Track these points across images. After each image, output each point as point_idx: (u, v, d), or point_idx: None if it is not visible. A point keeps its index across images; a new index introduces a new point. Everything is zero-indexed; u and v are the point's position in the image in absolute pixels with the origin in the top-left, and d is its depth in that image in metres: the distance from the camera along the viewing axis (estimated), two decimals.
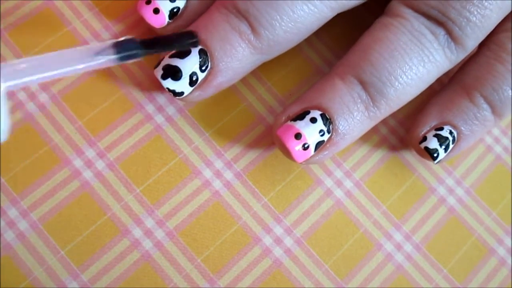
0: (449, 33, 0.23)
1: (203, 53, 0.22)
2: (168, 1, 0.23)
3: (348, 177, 0.25)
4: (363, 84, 0.23)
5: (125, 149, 0.24)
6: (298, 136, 0.22)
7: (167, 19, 0.23)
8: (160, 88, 0.25)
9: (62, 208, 0.22)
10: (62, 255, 0.22)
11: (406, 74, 0.23)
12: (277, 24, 0.22)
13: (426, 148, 0.24)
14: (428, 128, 0.25)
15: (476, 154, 0.27)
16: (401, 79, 0.23)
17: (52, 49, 0.24)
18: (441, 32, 0.23)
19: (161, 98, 0.25)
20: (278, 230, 0.24)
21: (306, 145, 0.22)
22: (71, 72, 0.17)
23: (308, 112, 0.22)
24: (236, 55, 0.22)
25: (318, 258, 0.24)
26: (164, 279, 0.22)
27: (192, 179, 0.24)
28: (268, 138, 0.25)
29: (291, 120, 0.23)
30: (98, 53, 0.18)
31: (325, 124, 0.22)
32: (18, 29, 0.24)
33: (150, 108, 0.24)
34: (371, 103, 0.23)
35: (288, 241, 0.24)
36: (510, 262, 0.26)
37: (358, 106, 0.23)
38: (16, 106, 0.23)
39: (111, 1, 0.26)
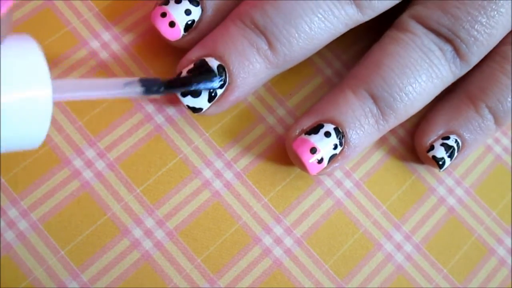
0: (456, 50, 0.24)
1: (221, 69, 0.22)
2: (184, 14, 0.23)
3: (348, 177, 0.25)
4: (374, 99, 0.23)
5: (125, 149, 0.24)
6: (313, 150, 0.23)
7: (182, 32, 0.23)
8: None
9: (62, 208, 0.22)
10: (62, 255, 0.22)
11: (416, 90, 0.23)
12: (294, 41, 0.22)
13: (434, 157, 0.25)
14: (435, 137, 0.25)
15: (476, 154, 0.27)
16: (410, 95, 0.23)
17: (52, 49, 0.24)
18: (448, 48, 0.24)
19: (161, 98, 0.25)
20: (278, 230, 0.24)
21: (320, 159, 0.23)
22: (102, 96, 0.20)
23: (322, 126, 0.23)
24: (253, 70, 0.23)
25: (318, 258, 0.24)
26: (164, 279, 0.22)
27: (192, 179, 0.24)
28: (268, 138, 0.25)
29: (305, 133, 0.23)
30: (127, 84, 0.20)
31: (338, 138, 0.23)
32: (17, 29, 0.24)
33: (150, 108, 0.24)
34: (381, 117, 0.23)
35: (288, 241, 0.24)
36: (510, 262, 0.26)
37: (369, 119, 0.23)
38: None
39: (111, 1, 0.26)
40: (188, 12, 0.23)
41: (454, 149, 0.25)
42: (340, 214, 0.25)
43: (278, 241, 0.24)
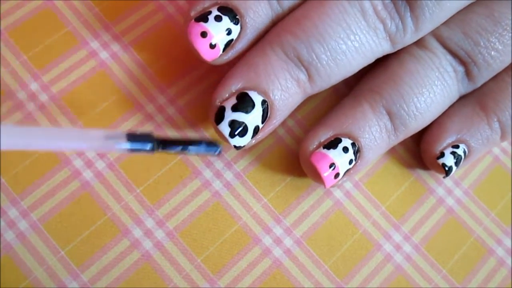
0: (467, 71, 0.24)
1: (265, 105, 0.22)
2: (225, 33, 0.22)
3: None
4: (391, 115, 0.24)
5: None
6: (332, 165, 0.23)
7: (220, 53, 0.22)
8: (161, 88, 0.25)
9: (62, 208, 0.22)
10: (62, 255, 0.22)
11: (429, 109, 0.24)
12: (334, 76, 0.23)
13: (443, 165, 0.25)
14: (445, 145, 0.25)
15: None
16: (424, 114, 0.24)
17: (52, 49, 0.24)
18: (461, 69, 0.24)
19: (161, 99, 0.25)
20: (278, 231, 0.24)
21: (337, 174, 0.23)
22: (79, 148, 0.18)
23: (340, 140, 0.23)
24: (291, 103, 0.23)
25: (317, 258, 0.24)
26: (164, 279, 0.22)
27: (192, 179, 0.24)
28: (268, 139, 0.25)
29: (323, 147, 0.23)
30: (110, 138, 0.17)
31: (354, 153, 0.23)
32: (18, 29, 0.24)
33: (150, 108, 0.24)
34: (393, 132, 0.24)
35: (288, 242, 0.24)
36: (509, 262, 0.26)
37: (383, 135, 0.24)
38: (16, 105, 0.23)
39: (111, 1, 0.26)
40: (228, 32, 0.22)
41: (461, 158, 0.25)
42: (339, 214, 0.25)
43: (277, 241, 0.24)
